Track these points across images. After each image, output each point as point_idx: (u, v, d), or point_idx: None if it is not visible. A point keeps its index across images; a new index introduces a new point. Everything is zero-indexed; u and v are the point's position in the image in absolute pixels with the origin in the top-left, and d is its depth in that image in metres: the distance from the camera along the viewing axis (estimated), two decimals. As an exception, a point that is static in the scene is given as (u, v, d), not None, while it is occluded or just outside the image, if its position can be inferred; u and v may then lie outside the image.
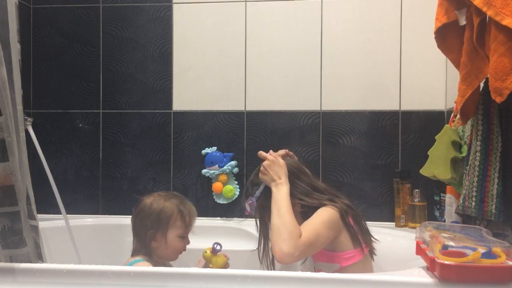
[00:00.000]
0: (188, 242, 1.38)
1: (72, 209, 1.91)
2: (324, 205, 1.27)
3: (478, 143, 1.18)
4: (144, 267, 1.19)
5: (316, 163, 1.89)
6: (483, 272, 0.88)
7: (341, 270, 1.23)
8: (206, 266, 1.42)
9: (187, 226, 1.36)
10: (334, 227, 1.23)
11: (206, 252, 1.39)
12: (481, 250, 0.90)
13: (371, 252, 1.30)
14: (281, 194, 1.23)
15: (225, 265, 1.41)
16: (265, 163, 1.30)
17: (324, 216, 1.23)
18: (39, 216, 1.20)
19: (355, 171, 1.89)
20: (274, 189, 1.25)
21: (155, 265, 1.31)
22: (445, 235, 0.97)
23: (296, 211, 1.25)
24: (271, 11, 1.94)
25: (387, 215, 1.86)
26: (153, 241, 1.33)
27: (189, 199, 1.93)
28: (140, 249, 1.34)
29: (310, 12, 1.91)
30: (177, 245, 1.35)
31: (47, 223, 1.75)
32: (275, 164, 1.29)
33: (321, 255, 1.28)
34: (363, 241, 1.27)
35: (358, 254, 1.26)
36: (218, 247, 1.38)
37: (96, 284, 0.97)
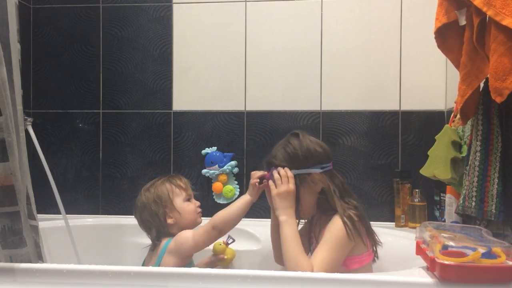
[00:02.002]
0: (198, 204, 1.44)
1: (72, 209, 1.91)
2: (336, 208, 1.25)
3: (478, 143, 1.18)
4: (144, 267, 1.20)
5: (316, 163, 1.89)
6: (483, 272, 0.88)
7: (347, 272, 1.22)
8: (216, 259, 1.51)
9: (186, 189, 1.43)
10: (349, 243, 1.20)
11: (220, 244, 1.47)
12: (481, 250, 0.90)
13: (375, 254, 1.30)
14: (292, 230, 1.20)
15: (233, 257, 1.54)
16: (284, 190, 1.23)
17: (337, 239, 1.19)
18: (39, 216, 1.20)
19: (355, 171, 1.89)
20: (285, 222, 1.21)
21: None
22: (445, 235, 0.98)
23: (314, 194, 1.27)
24: (271, 11, 1.94)
25: (387, 215, 1.86)
26: (168, 218, 1.38)
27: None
28: (161, 235, 1.39)
29: (310, 12, 1.91)
30: (189, 208, 1.41)
31: (47, 223, 1.75)
32: (290, 194, 1.24)
33: None
34: (373, 243, 1.27)
35: (370, 255, 1.26)
36: (231, 240, 1.48)
37: (96, 284, 0.97)
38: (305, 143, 1.29)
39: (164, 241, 1.36)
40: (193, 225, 1.42)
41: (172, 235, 1.37)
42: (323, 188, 1.28)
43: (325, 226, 1.24)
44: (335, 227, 1.21)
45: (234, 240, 1.49)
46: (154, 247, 1.40)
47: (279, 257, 1.35)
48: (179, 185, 1.41)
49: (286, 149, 1.29)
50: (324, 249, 1.18)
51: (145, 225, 1.41)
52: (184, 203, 1.40)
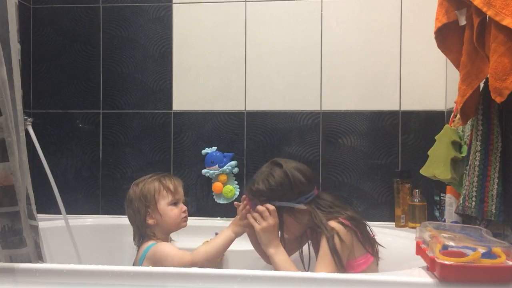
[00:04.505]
0: (184, 209, 1.41)
1: (72, 209, 1.91)
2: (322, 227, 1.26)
3: (478, 143, 1.18)
4: (144, 267, 1.20)
5: (316, 163, 1.89)
6: (483, 272, 0.88)
7: None
8: None
9: (174, 193, 1.39)
10: (343, 250, 1.20)
11: (207, 241, 1.45)
12: (481, 250, 0.90)
13: (376, 259, 1.30)
14: (284, 257, 1.23)
15: (221, 258, 1.54)
16: (266, 225, 1.25)
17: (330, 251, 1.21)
18: (39, 216, 1.20)
19: (355, 171, 1.89)
20: (274, 254, 1.24)
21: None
22: (445, 235, 0.98)
23: (301, 225, 1.29)
24: (271, 11, 1.93)
25: (387, 215, 1.86)
26: (149, 218, 1.36)
27: (189, 199, 1.95)
28: (142, 235, 1.38)
29: (310, 12, 1.91)
30: (172, 213, 1.37)
31: (47, 223, 1.75)
32: (273, 227, 1.26)
33: None
34: (370, 246, 1.27)
35: (369, 258, 1.26)
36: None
37: (96, 284, 0.97)
38: (289, 174, 1.28)
39: (145, 245, 1.35)
40: (174, 229, 1.41)
41: (152, 236, 1.36)
42: (310, 218, 1.29)
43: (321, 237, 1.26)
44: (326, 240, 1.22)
45: None
46: (138, 247, 1.39)
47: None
48: (167, 187, 1.38)
49: (269, 181, 1.28)
50: (322, 264, 1.19)
51: (129, 219, 1.41)
52: (167, 207, 1.37)
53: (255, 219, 1.27)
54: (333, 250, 1.18)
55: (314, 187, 1.33)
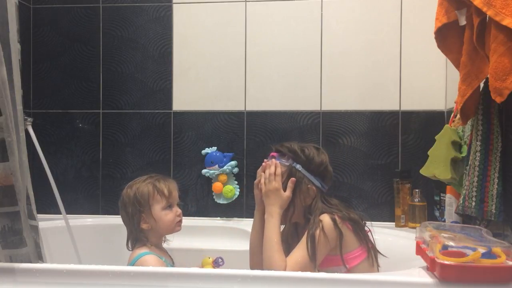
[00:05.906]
0: (178, 212, 1.38)
1: (72, 209, 1.91)
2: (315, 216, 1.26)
3: (478, 143, 1.18)
4: (145, 267, 1.20)
5: (316, 163, 1.89)
6: (483, 272, 0.88)
7: (349, 271, 1.22)
8: None
9: (168, 197, 1.36)
10: (325, 245, 1.20)
11: (207, 259, 1.40)
12: (481, 250, 0.90)
13: (375, 256, 1.29)
14: (275, 227, 1.24)
15: None
16: (268, 188, 1.27)
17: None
18: (39, 216, 1.20)
19: (355, 171, 1.89)
20: (266, 220, 1.26)
21: (155, 250, 1.34)
22: (445, 235, 0.98)
23: (300, 203, 1.29)
24: (271, 11, 1.94)
25: (387, 215, 1.86)
26: (142, 223, 1.34)
27: (189, 199, 1.95)
28: (135, 239, 1.36)
29: (310, 12, 1.91)
30: (166, 218, 1.34)
31: (47, 223, 1.75)
32: (275, 192, 1.27)
33: (325, 261, 1.25)
34: (364, 245, 1.27)
35: (363, 252, 1.26)
36: (221, 262, 1.39)
37: (96, 284, 0.97)
38: (323, 155, 1.33)
39: (137, 252, 1.32)
40: (168, 233, 1.39)
41: (146, 241, 1.34)
42: (311, 204, 1.29)
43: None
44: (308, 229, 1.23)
45: (222, 264, 1.39)
46: (131, 250, 1.37)
47: (253, 262, 1.37)
48: (161, 191, 1.34)
49: (303, 148, 1.32)
50: (299, 249, 1.20)
51: (122, 220, 1.38)
52: (162, 212, 1.33)
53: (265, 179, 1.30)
54: (310, 240, 1.19)
55: (328, 185, 1.36)
